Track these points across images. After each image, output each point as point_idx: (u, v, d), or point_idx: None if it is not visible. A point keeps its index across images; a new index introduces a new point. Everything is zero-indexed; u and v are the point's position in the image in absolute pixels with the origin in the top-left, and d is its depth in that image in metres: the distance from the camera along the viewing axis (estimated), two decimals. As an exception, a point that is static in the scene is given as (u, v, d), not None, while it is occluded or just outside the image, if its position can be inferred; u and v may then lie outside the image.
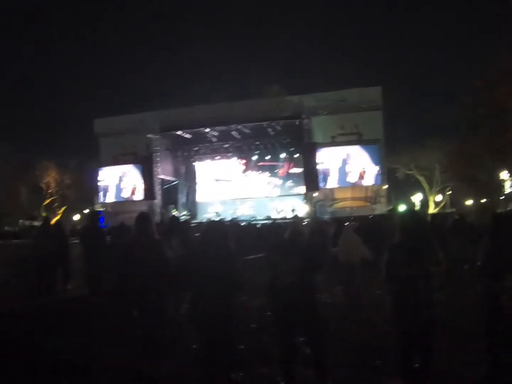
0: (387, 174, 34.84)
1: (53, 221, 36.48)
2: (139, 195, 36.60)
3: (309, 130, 33.18)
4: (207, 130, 35.14)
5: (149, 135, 35.11)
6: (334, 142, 33.30)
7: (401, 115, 53.95)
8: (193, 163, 39.07)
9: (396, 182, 45.94)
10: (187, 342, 7.14)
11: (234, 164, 38.47)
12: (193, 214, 37.99)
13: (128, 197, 37.53)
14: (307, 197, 33.76)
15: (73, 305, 10.44)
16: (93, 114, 46.59)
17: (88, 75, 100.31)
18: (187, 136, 36.23)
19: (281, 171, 37.57)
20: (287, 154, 37.28)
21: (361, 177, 32.74)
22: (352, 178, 32.85)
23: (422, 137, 44.92)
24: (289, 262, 5.62)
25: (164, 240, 7.45)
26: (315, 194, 32.93)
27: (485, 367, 5.71)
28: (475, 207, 43.70)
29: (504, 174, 35.96)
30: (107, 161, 38.22)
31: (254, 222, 27.01)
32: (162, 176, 36.59)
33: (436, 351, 5.50)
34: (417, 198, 48.50)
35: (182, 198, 39.20)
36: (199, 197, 39.84)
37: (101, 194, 38.44)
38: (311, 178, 31.99)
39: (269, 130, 34.76)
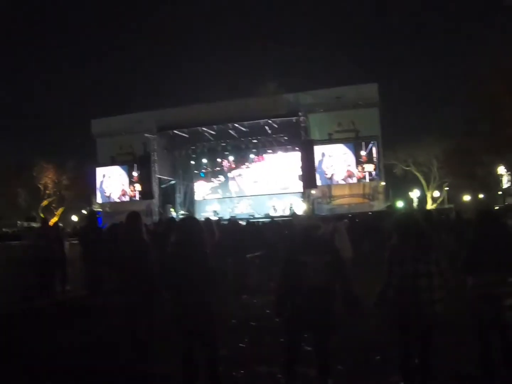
0: (384, 170, 34.77)
1: (51, 222, 36.67)
2: (137, 195, 36.54)
3: (306, 127, 33.22)
4: (204, 129, 35.11)
5: (146, 135, 35.09)
6: (331, 139, 33.27)
7: (398, 111, 53.91)
8: (191, 162, 38.90)
9: (394, 179, 45.99)
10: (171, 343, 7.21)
11: (231, 162, 38.44)
12: (191, 213, 38.02)
13: (126, 197, 37.51)
14: (304, 195, 33.76)
15: (71, 307, 10.47)
16: (90, 115, 46.54)
17: (85, 76, 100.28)
18: (184, 135, 36.20)
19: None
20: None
21: (359, 173, 32.75)
22: (349, 175, 32.84)
23: (419, 134, 45.01)
24: (317, 260, 5.39)
25: (162, 240, 7.48)
26: (313, 192, 32.97)
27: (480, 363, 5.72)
28: (473, 203, 43.82)
29: (501, 170, 36.04)
30: (104, 161, 38.18)
31: (252, 220, 27.01)
32: (159, 176, 36.63)
33: (436, 348, 5.51)
34: (414, 195, 48.57)
35: (179, 197, 39.17)
36: (197, 196, 39.90)
37: (98, 194, 38.42)
38: (308, 175, 31.97)
39: (267, 128, 34.73)
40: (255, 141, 36.33)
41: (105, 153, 38.26)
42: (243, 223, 22.83)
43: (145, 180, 35.15)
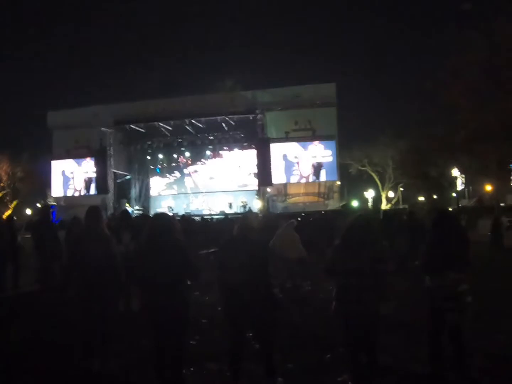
0: (340, 170, 35.12)
1: (4, 215, 36.10)
2: (92, 189, 36.21)
3: (263, 125, 33.27)
4: (161, 124, 34.95)
5: (102, 129, 34.72)
6: (287, 137, 33.51)
7: (355, 112, 54.46)
8: (147, 157, 38.73)
9: (349, 178, 46.51)
10: (136, 338, 7.21)
11: (187, 158, 38.41)
12: (145, 208, 37.88)
13: (80, 191, 37.20)
14: (260, 192, 33.90)
15: (23, 301, 10.38)
16: (47, 107, 45.75)
17: (43, 67, 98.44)
18: (141, 130, 36.01)
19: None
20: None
21: (314, 172, 33.07)
22: (304, 173, 33.16)
23: (375, 134, 45.55)
24: (236, 260, 5.52)
25: (115, 234, 7.49)
26: (268, 189, 33.15)
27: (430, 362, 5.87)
28: (427, 203, 44.54)
29: (455, 172, 36.74)
30: (60, 154, 37.76)
31: (206, 217, 27.07)
32: (115, 170, 36.37)
33: (385, 347, 5.66)
34: (369, 194, 49.19)
35: (135, 193, 38.91)
36: (152, 192, 39.76)
37: (53, 187, 37.97)
38: (264, 173, 32.11)
39: (223, 124, 34.73)
40: (211, 137, 36.26)
41: (61, 146, 37.83)
42: (198, 219, 22.99)
43: (100, 174, 34.76)
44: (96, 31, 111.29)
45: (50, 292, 10.30)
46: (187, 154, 38.05)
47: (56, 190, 38.12)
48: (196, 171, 38.57)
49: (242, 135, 35.68)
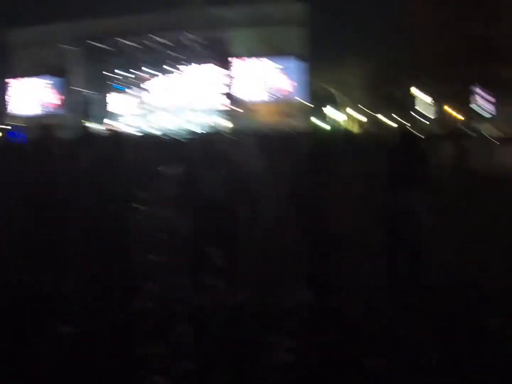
0: (308, 89, 34.85)
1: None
2: (52, 108, 35.52)
3: (227, 42, 32.81)
4: (122, 40, 34.28)
5: (62, 46, 33.95)
6: (252, 55, 33.02)
7: (325, 32, 53.44)
8: (108, 75, 37.78)
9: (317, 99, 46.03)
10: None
11: (149, 74, 37.76)
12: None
13: (42, 110, 36.51)
14: (224, 111, 33.57)
15: None
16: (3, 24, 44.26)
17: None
18: (102, 47, 35.08)
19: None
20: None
21: (280, 91, 32.84)
22: (269, 91, 32.92)
23: (344, 56, 44.80)
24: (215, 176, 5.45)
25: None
26: (232, 108, 32.89)
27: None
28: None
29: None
30: (18, 73, 36.82)
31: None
32: (75, 88, 35.58)
33: None
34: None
35: (96, 110, 38.04)
36: (112, 109, 39.14)
37: (12, 108, 37.15)
38: (225, 91, 31.98)
39: (187, 41, 34.03)
40: (174, 54, 35.34)
41: (19, 65, 36.70)
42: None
43: (61, 92, 34.15)
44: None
45: None
46: (149, 69, 37.26)
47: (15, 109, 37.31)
48: (156, 87, 38.11)
49: (206, 52, 34.67)
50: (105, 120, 37.92)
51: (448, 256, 6.10)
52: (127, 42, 34.53)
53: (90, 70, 37.18)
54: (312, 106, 39.01)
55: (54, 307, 5.14)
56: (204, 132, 25.25)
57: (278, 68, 32.82)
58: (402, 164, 5.42)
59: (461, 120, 36.00)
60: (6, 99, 38.00)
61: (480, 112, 32.27)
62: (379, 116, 46.68)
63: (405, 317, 4.58)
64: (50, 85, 35.43)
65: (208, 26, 32.43)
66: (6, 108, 38.35)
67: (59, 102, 34.30)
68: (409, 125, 36.44)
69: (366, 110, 48.66)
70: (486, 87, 30.82)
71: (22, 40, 35.95)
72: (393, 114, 45.23)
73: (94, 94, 37.80)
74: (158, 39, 33.80)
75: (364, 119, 49.35)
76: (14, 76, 37.21)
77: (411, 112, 40.87)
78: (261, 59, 33.02)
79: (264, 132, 24.47)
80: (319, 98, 47.16)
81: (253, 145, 12.26)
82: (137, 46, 34.96)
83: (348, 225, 5.14)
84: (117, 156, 5.70)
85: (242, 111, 33.02)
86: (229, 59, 31.86)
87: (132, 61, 36.41)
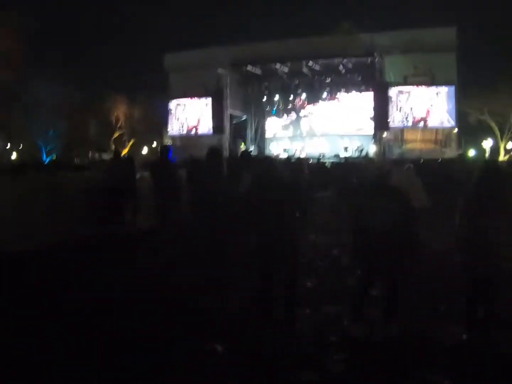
0: (458, 117, 33.94)
1: (122, 154, 37.61)
2: (207, 129, 36.86)
3: (381, 69, 32.51)
4: (278, 66, 34.74)
5: (219, 70, 35.07)
6: (406, 82, 32.68)
7: (476, 58, 51.93)
8: (263, 99, 38.85)
9: (467, 127, 44.81)
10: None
11: (304, 100, 38.28)
12: (261, 149, 38.37)
13: (196, 131, 37.97)
14: (376, 137, 33.43)
15: (142, 235, 10.69)
16: (163, 49, 46.60)
17: (160, 9, 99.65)
18: (257, 71, 36.02)
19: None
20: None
21: (431, 119, 32.25)
22: (421, 119, 32.38)
23: (497, 82, 43.27)
24: (387, 208, 5.51)
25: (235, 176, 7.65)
26: (384, 135, 32.66)
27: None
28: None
29: None
30: (176, 95, 38.55)
31: (322, 160, 27.05)
32: (231, 111, 36.75)
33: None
34: (488, 144, 47.26)
35: (250, 133, 39.40)
36: (268, 133, 40.10)
37: (170, 127, 38.96)
38: (381, 117, 31.67)
39: (340, 67, 34.07)
40: (328, 80, 35.88)
41: (177, 87, 38.51)
42: (314, 161, 22.98)
43: (217, 114, 35.40)
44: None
45: (168, 228, 10.57)
46: (304, 95, 37.92)
47: (172, 129, 39.00)
48: (311, 113, 38.55)
49: (360, 78, 35.10)
50: (260, 143, 39.15)
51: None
52: (284, 68, 35.14)
53: (246, 94, 38.55)
54: (465, 134, 38.06)
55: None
56: (357, 157, 25.14)
57: (431, 95, 32.13)
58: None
59: None
60: (164, 119, 39.87)
61: None
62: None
63: None
64: (206, 107, 36.59)
65: (363, 53, 32.49)
66: (164, 127, 40.42)
67: (216, 124, 35.34)
68: None
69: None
70: None
71: (180, 64, 37.77)
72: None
73: (249, 117, 39.11)
74: (311, 64, 34.15)
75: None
76: (172, 97, 38.85)
77: None
78: (414, 85, 32.44)
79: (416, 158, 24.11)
80: (472, 126, 45.90)
81: (408, 170, 12.12)
82: (292, 71, 35.53)
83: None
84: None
85: (394, 137, 32.79)
86: (383, 85, 31.60)
87: (287, 86, 37.27)
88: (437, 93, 32.20)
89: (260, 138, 39.83)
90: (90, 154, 49.46)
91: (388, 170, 6.16)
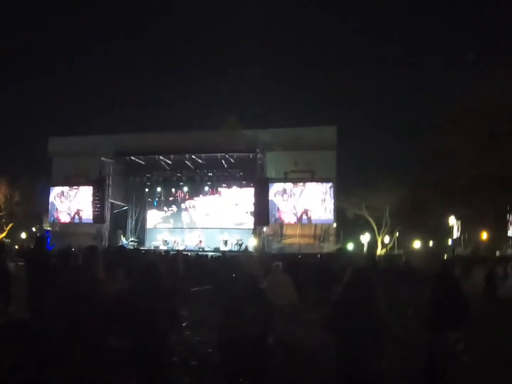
0: (337, 213, 35.07)
1: (-1, 238, 35.94)
2: (88, 218, 36.10)
3: (263, 164, 33.43)
4: (161, 157, 35.08)
5: (102, 158, 34.78)
6: (286, 178, 33.63)
7: (354, 155, 54.73)
8: (145, 189, 38.81)
9: (346, 221, 46.39)
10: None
11: (185, 193, 38.57)
12: (141, 240, 37.89)
13: (78, 218, 37.13)
14: (255, 231, 33.82)
15: (11, 329, 10.25)
16: (47, 132, 45.76)
17: (47, 94, 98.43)
18: (141, 162, 36.09)
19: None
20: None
21: (309, 214, 33.11)
22: (300, 215, 33.21)
23: (374, 179, 45.42)
24: (250, 313, 5.61)
25: (109, 272, 7.51)
26: (265, 229, 33.15)
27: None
28: (423, 251, 44.44)
29: (452, 220, 36.80)
30: (58, 180, 37.83)
31: (201, 253, 27.00)
32: (112, 200, 36.22)
33: None
34: (365, 238, 49.00)
35: (131, 224, 38.87)
36: (149, 224, 39.71)
37: (50, 213, 37.86)
38: (261, 212, 32.19)
39: (223, 162, 34.80)
40: (210, 174, 36.48)
41: (60, 172, 37.96)
42: (192, 255, 22.87)
43: (98, 203, 34.77)
44: (99, 62, 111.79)
45: (40, 321, 10.18)
46: (186, 189, 38.20)
47: (52, 215, 37.88)
48: (193, 206, 38.59)
49: (241, 173, 35.87)
50: (140, 234, 38.69)
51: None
52: (166, 159, 35.42)
53: (129, 183, 38.25)
54: (342, 229, 39.34)
55: None
56: (236, 251, 25.28)
57: (311, 191, 33.16)
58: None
59: (493, 245, 35.99)
60: (44, 204, 38.75)
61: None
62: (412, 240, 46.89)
63: None
64: (87, 195, 35.98)
65: (245, 149, 33.37)
66: (44, 213, 39.17)
67: (96, 213, 34.67)
68: (442, 251, 36.46)
69: (397, 234, 48.86)
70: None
71: (64, 149, 37.26)
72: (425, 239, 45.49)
73: (130, 207, 38.70)
74: (195, 157, 34.60)
75: (394, 242, 49.53)
76: (54, 183, 38.00)
77: (443, 237, 40.90)
78: (295, 182, 33.41)
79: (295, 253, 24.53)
80: (350, 221, 47.58)
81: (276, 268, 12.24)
82: (175, 163, 35.90)
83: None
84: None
85: (273, 232, 33.35)
86: (264, 181, 32.35)
87: (169, 178, 37.47)
88: (316, 189, 33.22)
89: (140, 229, 39.35)
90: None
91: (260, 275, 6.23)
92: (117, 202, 37.38)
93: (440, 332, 5.79)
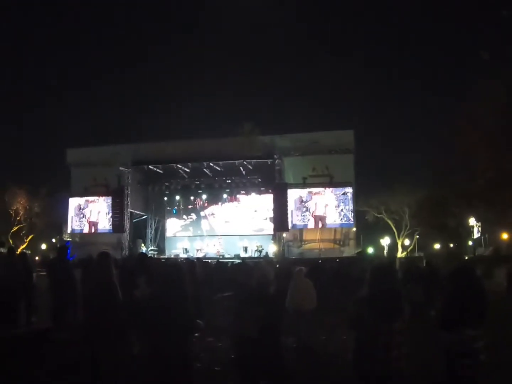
0: (356, 216, 34.93)
1: (20, 249, 36.18)
2: (108, 227, 36.23)
3: (281, 170, 33.37)
4: (179, 166, 35.15)
5: (121, 168, 34.93)
6: (305, 183, 33.50)
7: (372, 159, 54.73)
8: (164, 198, 38.94)
9: (365, 225, 46.29)
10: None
11: (204, 200, 38.62)
12: (160, 249, 38.01)
13: (96, 229, 37.22)
14: (275, 237, 33.80)
15: (34, 339, 10.26)
16: (66, 144, 46.04)
17: (65, 105, 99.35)
18: (159, 171, 36.16)
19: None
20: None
21: (330, 219, 32.93)
22: (320, 219, 33.03)
23: (393, 182, 45.29)
24: (253, 314, 5.54)
25: (130, 279, 7.51)
26: (284, 235, 33.06)
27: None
28: (443, 252, 44.17)
29: (472, 221, 36.54)
30: (78, 191, 37.88)
31: (222, 260, 27.02)
32: (132, 210, 36.35)
33: None
34: (385, 242, 48.81)
35: (150, 233, 39.04)
36: (168, 233, 39.80)
37: (69, 224, 38.02)
38: (280, 218, 32.10)
39: (241, 168, 34.88)
40: (229, 181, 36.62)
41: (78, 183, 37.95)
42: (213, 262, 22.91)
43: (117, 213, 34.88)
44: (117, 72, 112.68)
45: (63, 330, 10.19)
46: (204, 196, 38.39)
47: (72, 226, 38.04)
48: (212, 214, 38.73)
49: (260, 180, 35.94)
50: (160, 243, 38.81)
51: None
52: (184, 168, 35.57)
53: (147, 193, 38.47)
54: (362, 232, 39.15)
55: None
56: (257, 257, 25.21)
57: (329, 195, 32.97)
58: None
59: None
60: (64, 215, 38.92)
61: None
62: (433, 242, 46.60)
63: None
64: (107, 205, 36.09)
65: (263, 155, 33.37)
66: (64, 223, 39.37)
67: (116, 223, 34.78)
68: (462, 252, 36.20)
69: (417, 236, 48.55)
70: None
71: (83, 160, 37.35)
72: (446, 241, 45.16)
73: (149, 216, 38.86)
74: (213, 165, 34.69)
75: (414, 244, 49.24)
76: (73, 194, 38.16)
77: (464, 238, 40.60)
78: (313, 187, 33.24)
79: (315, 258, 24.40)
80: (370, 225, 47.40)
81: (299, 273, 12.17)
82: (193, 171, 36.02)
83: None
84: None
85: (293, 237, 33.22)
86: (282, 187, 32.27)
87: (188, 186, 37.62)
88: (335, 194, 33.02)
89: (160, 238, 39.54)
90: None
91: (272, 279, 6.14)
92: (136, 212, 37.58)
93: (457, 329, 5.67)
